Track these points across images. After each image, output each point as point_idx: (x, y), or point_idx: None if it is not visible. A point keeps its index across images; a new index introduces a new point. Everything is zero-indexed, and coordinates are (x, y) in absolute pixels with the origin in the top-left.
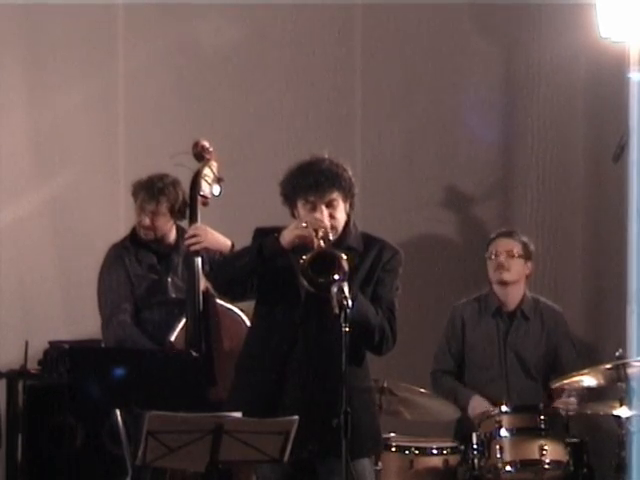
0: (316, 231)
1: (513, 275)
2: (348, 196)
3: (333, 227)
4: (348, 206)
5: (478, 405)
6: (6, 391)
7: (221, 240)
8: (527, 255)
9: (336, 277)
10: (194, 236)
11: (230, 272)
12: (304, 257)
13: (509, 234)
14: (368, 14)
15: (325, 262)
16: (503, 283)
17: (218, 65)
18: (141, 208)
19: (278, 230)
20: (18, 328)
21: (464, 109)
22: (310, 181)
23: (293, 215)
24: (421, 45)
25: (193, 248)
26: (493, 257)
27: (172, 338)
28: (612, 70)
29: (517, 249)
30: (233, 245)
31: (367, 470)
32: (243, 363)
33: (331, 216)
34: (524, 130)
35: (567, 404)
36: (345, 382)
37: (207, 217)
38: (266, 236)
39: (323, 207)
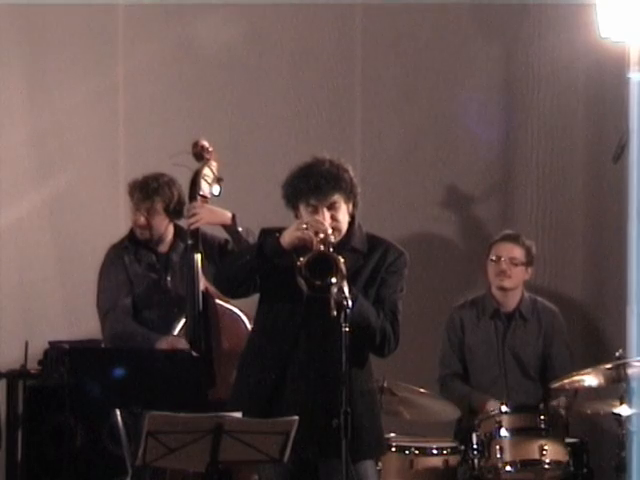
0: (316, 233)
1: (514, 282)
2: (350, 197)
3: (336, 229)
4: (351, 206)
5: (495, 408)
6: (6, 391)
7: (220, 213)
8: (529, 261)
9: (333, 280)
10: (193, 215)
11: (231, 271)
12: (301, 259)
13: (513, 238)
14: (368, 14)
15: (323, 264)
16: (503, 289)
17: (218, 65)
18: (136, 207)
19: (283, 231)
20: (18, 328)
21: (464, 109)
22: (311, 185)
23: (297, 217)
24: (421, 45)
25: (194, 226)
26: (495, 262)
27: (175, 333)
28: (612, 70)
29: (520, 256)
30: (234, 216)
31: (370, 472)
32: (245, 363)
33: (333, 218)
34: (524, 130)
35: (558, 406)
36: (345, 382)
37: None
38: (270, 236)
39: (325, 210)
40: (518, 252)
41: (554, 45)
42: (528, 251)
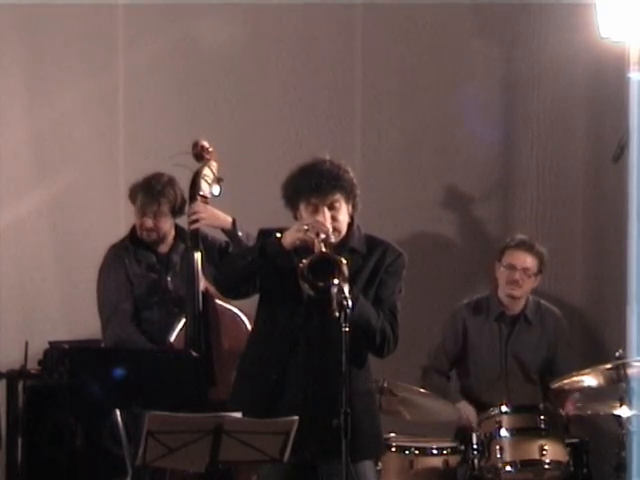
0: (317, 234)
1: (524, 290)
2: (350, 197)
3: (335, 229)
4: (351, 207)
5: (467, 411)
6: (6, 391)
7: (221, 217)
8: (540, 270)
9: (336, 282)
10: (194, 215)
11: (232, 272)
12: (304, 261)
13: (528, 247)
14: (368, 14)
15: (325, 266)
16: (512, 297)
17: (218, 65)
18: (142, 211)
19: (282, 231)
20: (18, 328)
21: (464, 109)
22: (312, 183)
23: (295, 217)
24: (421, 45)
25: (194, 226)
26: (508, 269)
27: (172, 339)
28: (612, 70)
29: (533, 267)
30: (234, 221)
31: (369, 472)
32: (244, 363)
33: (333, 218)
34: (524, 130)
35: (574, 408)
36: (345, 383)
37: None
38: (269, 237)
39: (325, 209)
40: (532, 262)
41: (554, 45)
42: (541, 260)
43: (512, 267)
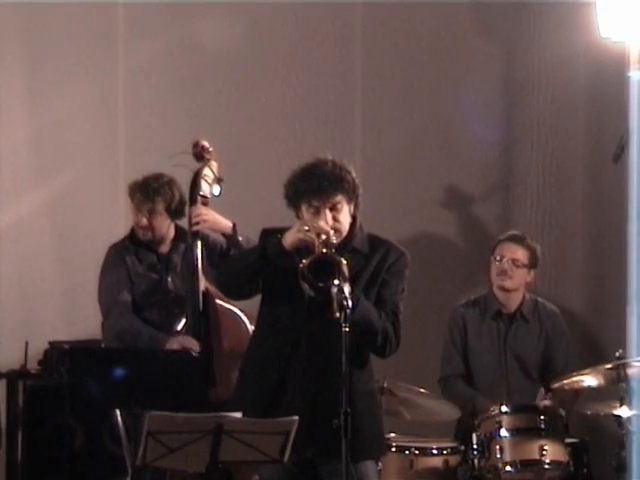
0: (318, 235)
1: (514, 283)
2: (352, 198)
3: (337, 230)
4: (353, 207)
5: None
6: (6, 391)
7: (222, 221)
8: (532, 264)
9: (336, 282)
10: (196, 217)
11: (234, 272)
12: (304, 261)
13: (518, 240)
14: (368, 14)
15: (325, 266)
16: (504, 289)
17: (218, 65)
18: (137, 208)
19: (284, 231)
20: (18, 328)
21: (464, 109)
22: (313, 185)
23: (298, 217)
24: (421, 45)
25: (195, 228)
26: (498, 261)
27: (178, 328)
28: (612, 70)
29: (523, 258)
30: (235, 225)
31: (370, 472)
32: (246, 363)
33: (335, 219)
34: (524, 130)
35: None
36: (346, 383)
37: None
38: (272, 237)
39: (327, 211)
40: (521, 254)
41: (554, 45)
42: (532, 253)
43: (501, 258)
